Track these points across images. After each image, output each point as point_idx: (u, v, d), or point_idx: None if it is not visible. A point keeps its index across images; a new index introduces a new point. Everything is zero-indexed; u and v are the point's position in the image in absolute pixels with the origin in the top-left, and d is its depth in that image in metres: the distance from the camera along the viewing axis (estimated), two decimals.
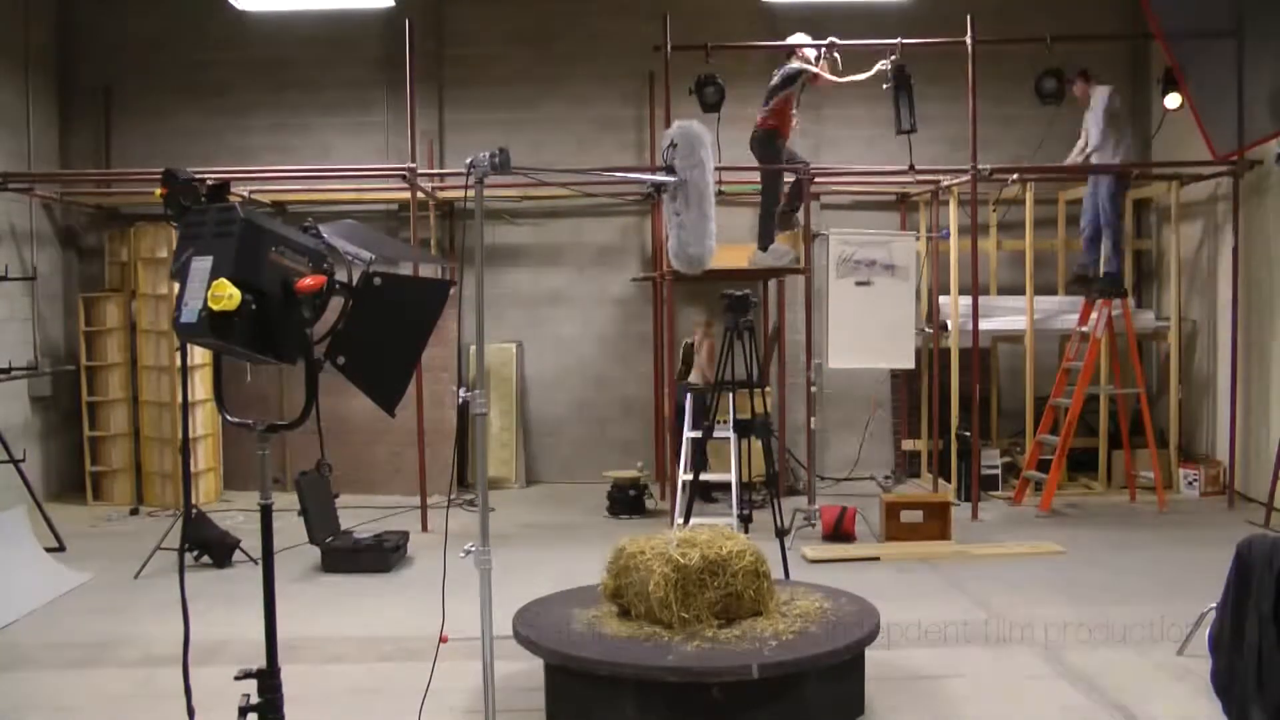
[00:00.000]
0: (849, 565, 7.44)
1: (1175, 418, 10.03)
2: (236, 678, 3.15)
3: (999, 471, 10.03)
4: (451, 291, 3.70)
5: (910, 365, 9.91)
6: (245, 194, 9.85)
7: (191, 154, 10.31)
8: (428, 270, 9.64)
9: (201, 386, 9.57)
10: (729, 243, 9.64)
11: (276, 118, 11.13)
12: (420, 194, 9.50)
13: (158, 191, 3.04)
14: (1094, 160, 9.69)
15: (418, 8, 10.13)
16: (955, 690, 5.09)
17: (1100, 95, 9.64)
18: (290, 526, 7.50)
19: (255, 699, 3.16)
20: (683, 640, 4.55)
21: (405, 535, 7.77)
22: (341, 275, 3.11)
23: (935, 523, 8.05)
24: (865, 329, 8.87)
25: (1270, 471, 8.57)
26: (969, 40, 9.10)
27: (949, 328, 10.08)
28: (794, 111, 9.17)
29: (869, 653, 4.88)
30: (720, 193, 8.75)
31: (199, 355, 8.70)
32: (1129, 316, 9.61)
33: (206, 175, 3.26)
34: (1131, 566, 7.18)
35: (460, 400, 3.92)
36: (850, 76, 9.10)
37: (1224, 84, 9.38)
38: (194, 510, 8.19)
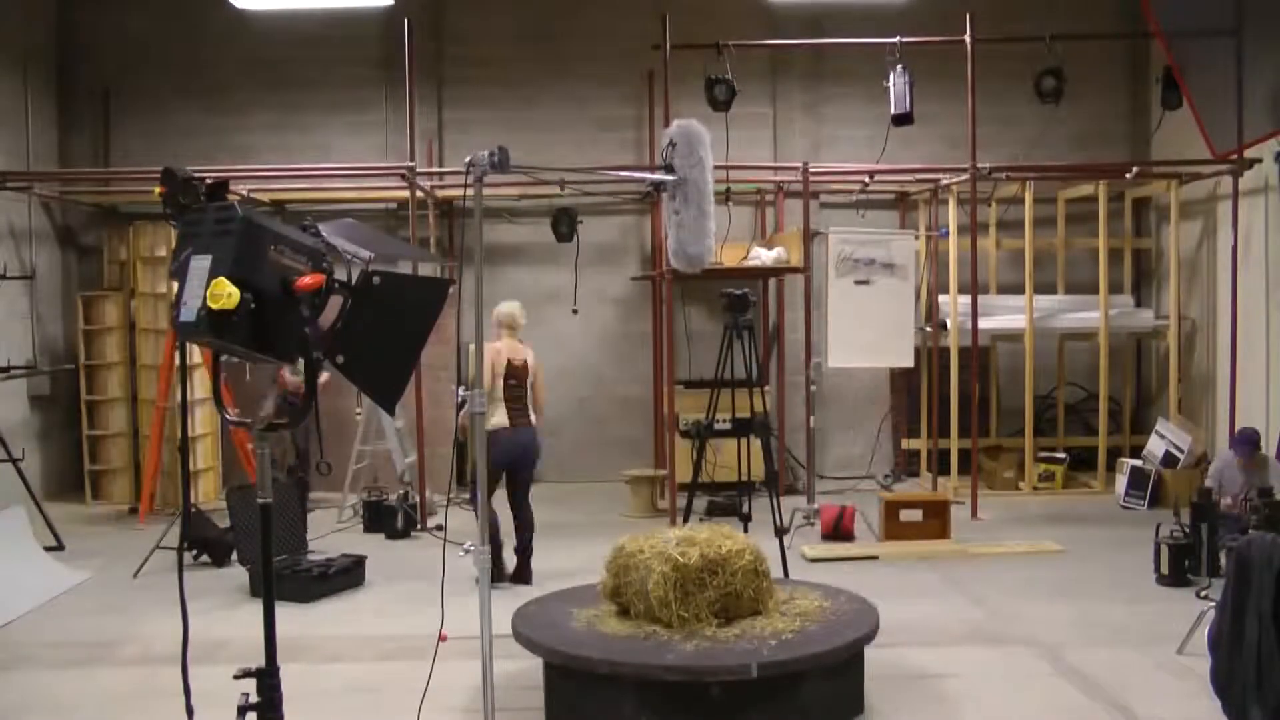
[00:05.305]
0: (848, 564, 7.44)
1: (1175, 416, 10.02)
2: (235, 677, 3.14)
3: None
4: (451, 290, 3.69)
5: (910, 364, 9.92)
6: (244, 193, 9.85)
7: (190, 153, 10.30)
8: (427, 269, 9.64)
9: (201, 386, 9.56)
10: (729, 242, 9.70)
11: (276, 117, 11.13)
12: (419, 193, 9.49)
13: (156, 190, 3.03)
14: None
15: (417, 7, 10.13)
16: (955, 690, 5.09)
17: None
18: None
19: (254, 698, 3.16)
20: (682, 639, 4.54)
21: (360, 560, 7.22)
22: (341, 274, 3.11)
23: (935, 522, 8.05)
24: (865, 328, 8.86)
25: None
26: (968, 39, 9.11)
27: (949, 327, 10.08)
28: None
29: (868, 652, 4.88)
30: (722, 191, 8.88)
31: (198, 354, 8.69)
32: None
33: (205, 174, 3.25)
34: (1131, 565, 7.18)
35: (459, 399, 3.91)
36: None
37: (1223, 83, 9.39)
38: (193, 509, 8.19)
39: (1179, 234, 10.16)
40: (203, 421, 9.99)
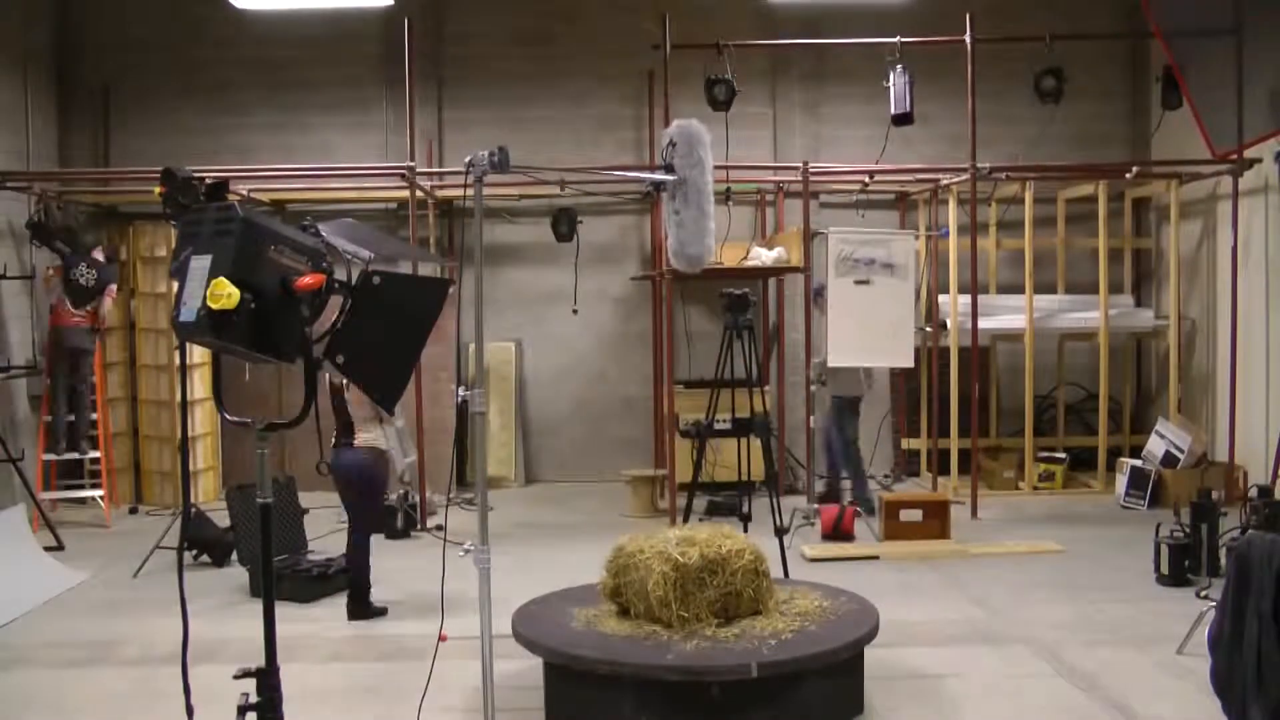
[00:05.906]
0: (848, 564, 7.44)
1: (1175, 416, 10.02)
2: (235, 676, 3.15)
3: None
4: (451, 290, 3.69)
5: (910, 364, 9.91)
6: (244, 193, 9.85)
7: (190, 153, 10.28)
8: (427, 269, 9.64)
9: (201, 385, 9.55)
10: (729, 242, 9.70)
11: (276, 117, 11.12)
12: (419, 193, 9.49)
13: (156, 190, 3.04)
14: None
15: (417, 7, 10.13)
16: (955, 690, 5.09)
17: None
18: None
19: (254, 698, 3.16)
20: (682, 639, 4.54)
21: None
22: (341, 274, 3.11)
23: (935, 522, 8.05)
24: (865, 328, 8.86)
25: (1270, 468, 8.58)
26: (968, 39, 9.11)
27: (949, 327, 10.08)
28: None
29: (868, 651, 4.88)
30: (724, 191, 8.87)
31: (198, 354, 8.68)
32: None
33: (205, 174, 3.25)
34: (1131, 565, 7.18)
35: (459, 399, 3.91)
36: None
37: (1223, 83, 9.38)
38: (193, 509, 8.19)
39: (1179, 234, 10.15)
40: (203, 421, 9.99)
